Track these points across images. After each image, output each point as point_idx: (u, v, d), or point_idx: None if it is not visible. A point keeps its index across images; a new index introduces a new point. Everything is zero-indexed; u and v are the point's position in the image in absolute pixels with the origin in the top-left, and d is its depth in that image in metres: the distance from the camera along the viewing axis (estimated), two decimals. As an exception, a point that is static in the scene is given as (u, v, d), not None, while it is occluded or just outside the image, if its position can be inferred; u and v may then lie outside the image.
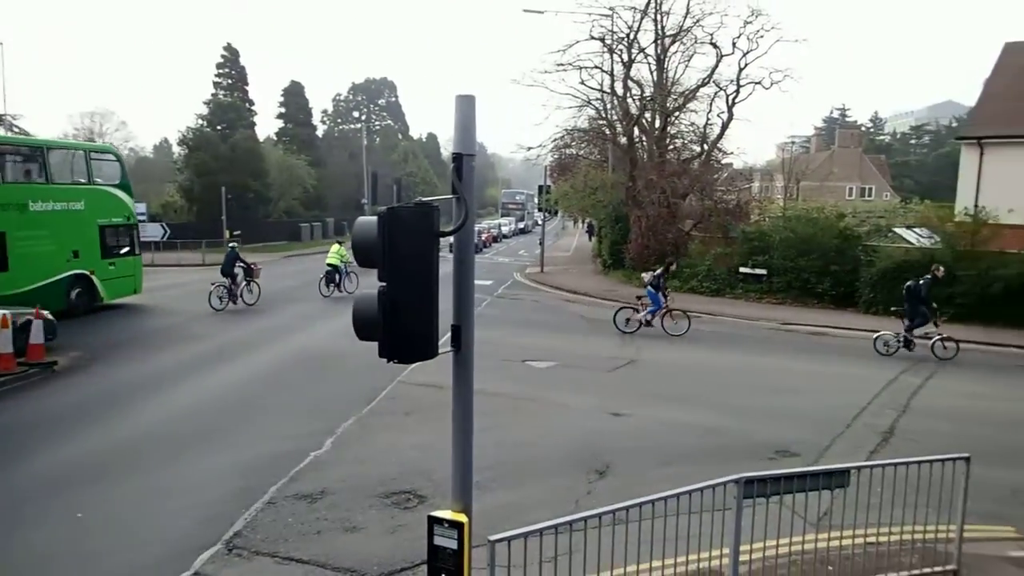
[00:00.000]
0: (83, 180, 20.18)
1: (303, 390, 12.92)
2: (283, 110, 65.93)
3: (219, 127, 53.95)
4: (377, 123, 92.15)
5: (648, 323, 18.78)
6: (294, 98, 65.60)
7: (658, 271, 19.51)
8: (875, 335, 17.40)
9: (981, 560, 6.86)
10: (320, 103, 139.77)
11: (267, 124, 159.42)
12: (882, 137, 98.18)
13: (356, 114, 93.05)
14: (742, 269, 26.05)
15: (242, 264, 21.90)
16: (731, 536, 5.65)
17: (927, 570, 6.47)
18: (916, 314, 16.88)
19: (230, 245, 22.45)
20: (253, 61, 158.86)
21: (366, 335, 3.79)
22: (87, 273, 20.05)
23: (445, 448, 4.38)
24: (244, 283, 22.16)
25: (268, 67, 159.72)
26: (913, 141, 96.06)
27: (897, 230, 29.87)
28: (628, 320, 18.88)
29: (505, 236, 67.08)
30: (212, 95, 57.04)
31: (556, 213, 59.10)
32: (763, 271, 25.49)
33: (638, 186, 30.65)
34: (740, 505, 5.59)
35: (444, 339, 3.91)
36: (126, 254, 21.63)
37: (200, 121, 54.63)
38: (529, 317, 21.80)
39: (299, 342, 17.04)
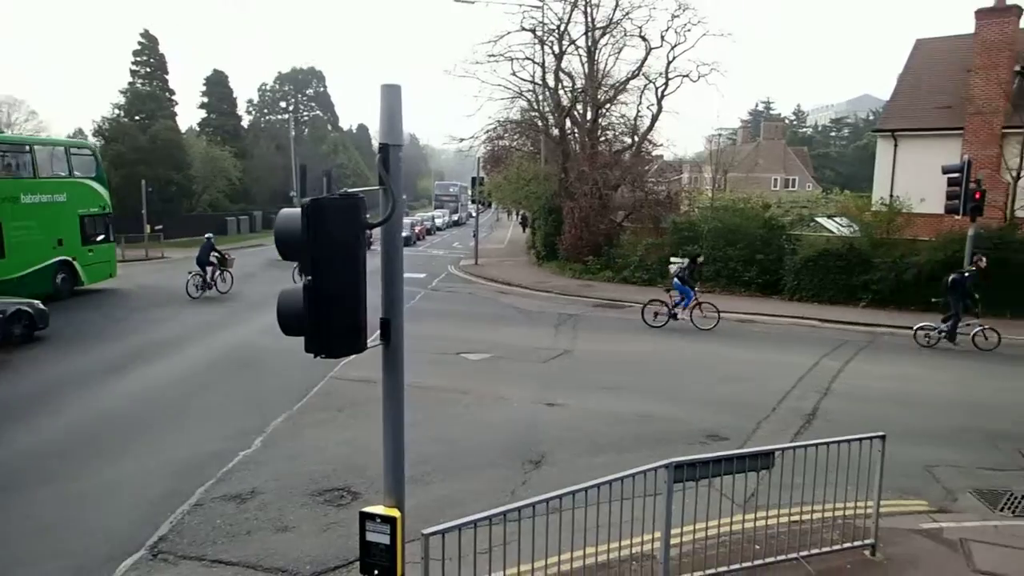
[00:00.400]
0: (64, 174, 22.42)
1: (233, 387, 12.59)
2: (206, 100, 63.76)
3: (137, 117, 51.83)
4: (305, 114, 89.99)
5: (675, 316, 18.76)
6: (217, 87, 63.51)
7: (685, 263, 19.59)
8: (915, 327, 17.36)
9: (896, 533, 7.21)
10: (245, 93, 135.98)
11: (189, 114, 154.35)
12: (804, 130, 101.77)
13: (283, 104, 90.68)
14: (672, 259, 26.59)
15: (216, 254, 23.27)
16: (662, 520, 5.78)
17: (847, 545, 6.76)
18: (959, 306, 16.67)
19: (206, 236, 23.68)
20: (173, 49, 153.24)
21: (292, 330, 3.72)
22: (70, 259, 22.28)
23: (379, 444, 4.34)
24: (218, 272, 23.46)
25: (189, 55, 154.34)
26: (833, 134, 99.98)
27: (819, 220, 31.06)
28: (656, 315, 18.85)
29: (439, 228, 66.67)
30: (129, 84, 54.74)
31: (490, 205, 59.07)
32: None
33: (571, 177, 30.94)
34: (670, 489, 5.72)
35: (376, 334, 3.86)
36: (102, 241, 23.85)
37: (117, 111, 52.40)
38: (464, 310, 21.75)
39: (230, 338, 16.58)
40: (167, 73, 56.35)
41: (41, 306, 16.44)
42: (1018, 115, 23.44)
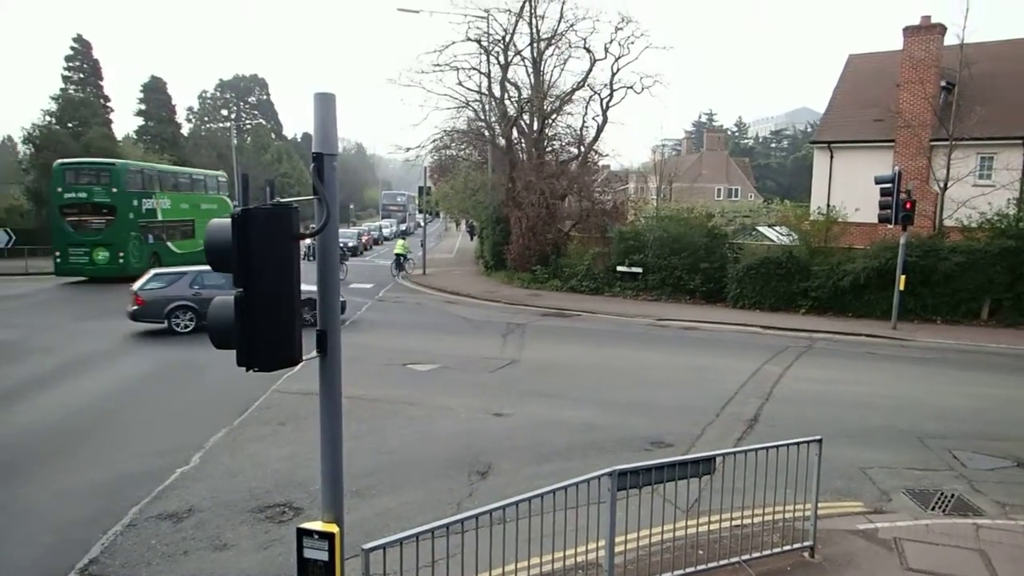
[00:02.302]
0: (214, 192, 28.81)
1: (170, 401, 12.23)
2: (143, 107, 62.17)
3: (70, 124, 50.12)
4: (248, 122, 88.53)
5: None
6: (155, 94, 61.99)
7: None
8: None
9: (834, 535, 7.39)
10: (185, 100, 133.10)
11: (126, 122, 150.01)
12: (746, 141, 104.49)
13: (225, 112, 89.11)
14: (619, 268, 26.93)
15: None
16: (607, 528, 5.80)
17: (787, 548, 6.90)
18: None
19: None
20: (108, 54, 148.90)
21: (223, 342, 3.62)
22: None
23: (316, 457, 4.25)
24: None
25: (126, 61, 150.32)
26: (773, 145, 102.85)
27: (760, 228, 31.88)
28: None
29: (386, 238, 66.25)
30: (61, 90, 52.96)
31: (438, 215, 58.92)
32: (639, 269, 26.46)
33: (517, 187, 31.05)
34: (614, 497, 5.75)
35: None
36: None
37: (48, 118, 50.58)
38: (411, 320, 21.62)
39: (168, 349, 16.11)
40: (101, 79, 54.78)
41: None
42: (944, 128, 24.47)
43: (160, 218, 31.28)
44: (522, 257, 30.10)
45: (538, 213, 29.67)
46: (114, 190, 28.77)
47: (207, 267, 23.99)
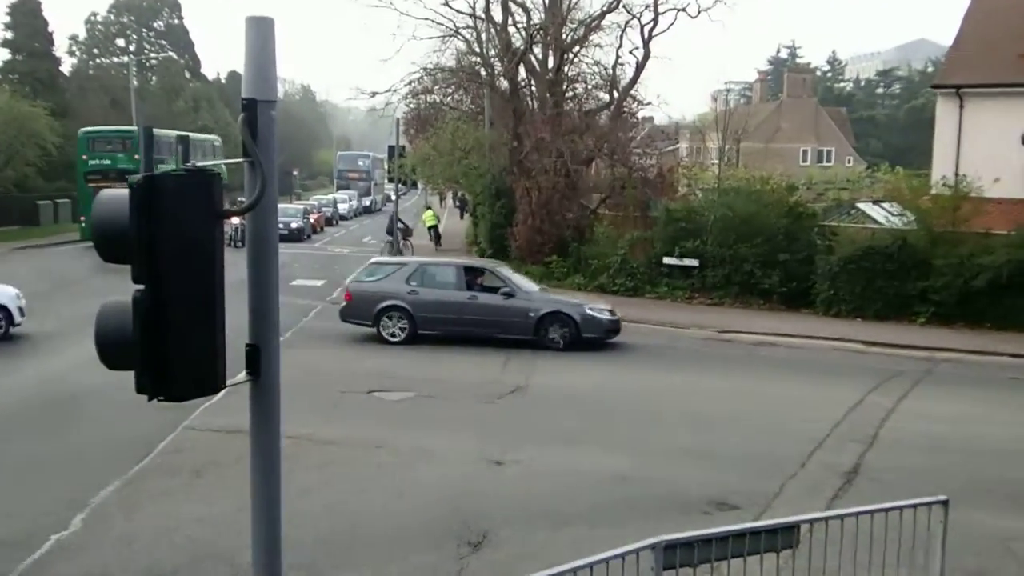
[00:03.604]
0: (211, 158, 30.89)
1: (45, 441, 12.25)
2: (9, 35, 62.28)
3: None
4: (154, 56, 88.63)
5: None
6: (26, 18, 62.04)
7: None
8: None
9: (964, 632, 7.35)
10: (67, 26, 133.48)
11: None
12: (842, 85, 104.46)
13: (121, 43, 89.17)
14: (666, 259, 26.89)
15: (402, 224, 28.21)
16: (648, 622, 5.78)
17: (899, 650, 6.86)
18: None
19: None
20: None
21: (117, 361, 3.61)
22: None
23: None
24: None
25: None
26: (880, 90, 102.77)
27: (862, 206, 31.82)
28: None
29: (344, 217, 66.26)
30: None
31: (415, 185, 58.88)
32: (694, 262, 26.42)
33: (526, 147, 31.10)
34: (659, 579, 5.72)
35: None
36: None
37: None
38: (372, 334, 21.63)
39: (39, 373, 16.14)
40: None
41: None
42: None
43: None
44: (531, 244, 30.10)
45: (554, 184, 29.67)
46: (136, 157, 34.17)
47: (434, 259, 25.74)
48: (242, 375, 3.95)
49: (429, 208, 45.73)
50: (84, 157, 40.34)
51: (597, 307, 20.13)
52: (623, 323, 20.22)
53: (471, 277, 20.13)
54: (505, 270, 21.12)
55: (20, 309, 19.06)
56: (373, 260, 21.81)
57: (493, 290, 19.70)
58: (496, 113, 35.70)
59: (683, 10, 31.33)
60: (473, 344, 19.68)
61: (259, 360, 3.90)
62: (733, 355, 19.19)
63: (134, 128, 41.22)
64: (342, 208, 67.27)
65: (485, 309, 19.48)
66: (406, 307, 19.48)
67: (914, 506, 6.73)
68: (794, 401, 15.23)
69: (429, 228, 41.58)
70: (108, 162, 39.49)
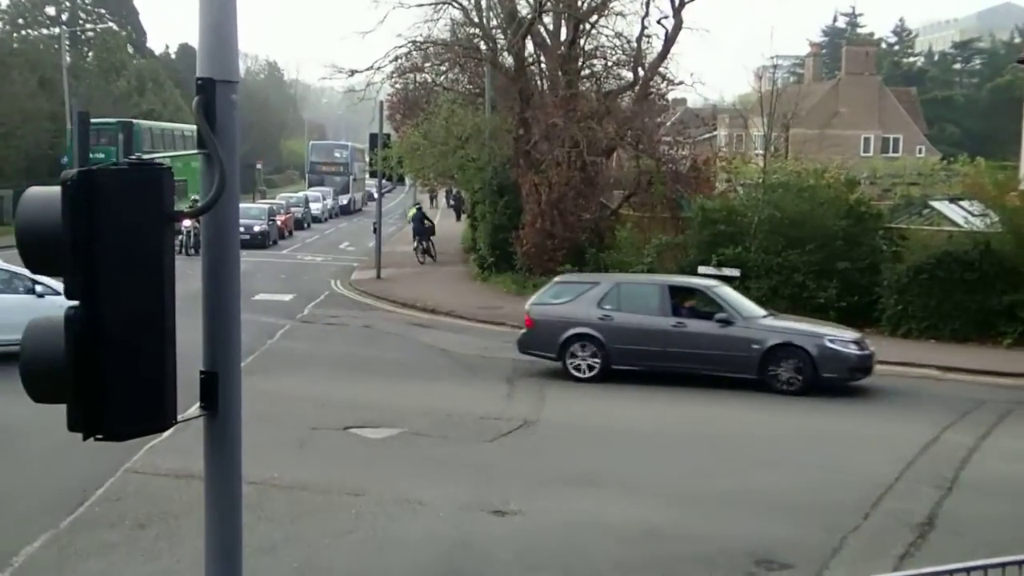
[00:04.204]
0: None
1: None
2: (-82, 2, 62.54)
3: None
4: (90, 27, 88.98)
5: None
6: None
7: None
8: None
9: None
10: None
11: None
12: (911, 60, 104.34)
13: (51, 11, 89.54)
14: (702, 269, 26.82)
15: (429, 222, 29.10)
16: None
17: None
18: None
19: (416, 206, 28.48)
20: None
21: (45, 392, 3.60)
22: None
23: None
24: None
25: None
26: (958, 66, 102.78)
27: (935, 204, 31.73)
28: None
29: (317, 218, 66.38)
30: None
31: (402, 180, 58.88)
32: (735, 271, 26.33)
33: (534, 135, 31.12)
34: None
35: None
36: None
37: None
38: (357, 353, 21.71)
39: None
40: None
41: None
42: None
43: None
44: (541, 251, 30.14)
45: (567, 178, 29.70)
46: (135, 154, 37.86)
47: (633, 276, 24.69)
48: (195, 408, 3.95)
49: (417, 205, 46.13)
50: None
51: (840, 337, 18.79)
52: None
53: (679, 299, 19.33)
54: (724, 290, 20.04)
55: None
56: (558, 278, 21.32)
57: (706, 316, 18.84)
58: (499, 95, 35.74)
59: (721, -29, 31.40)
60: (471, 372, 19.68)
61: (216, 390, 3.89)
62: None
63: (131, 120, 42.73)
64: (315, 208, 67.43)
65: (695, 340, 18.61)
66: (598, 336, 18.92)
67: (1002, 565, 6.70)
68: (855, 438, 15.16)
69: (414, 223, 42.41)
70: (102, 155, 39.77)
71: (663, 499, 12.12)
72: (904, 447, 14.47)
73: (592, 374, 18.83)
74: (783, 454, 14.28)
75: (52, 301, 19.72)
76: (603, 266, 28.80)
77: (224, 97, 3.73)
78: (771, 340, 18.22)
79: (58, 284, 18.86)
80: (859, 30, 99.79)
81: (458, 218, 60.49)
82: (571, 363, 18.95)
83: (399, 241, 47.28)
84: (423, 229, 41.46)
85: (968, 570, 6.64)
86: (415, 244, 41.39)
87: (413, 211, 43.85)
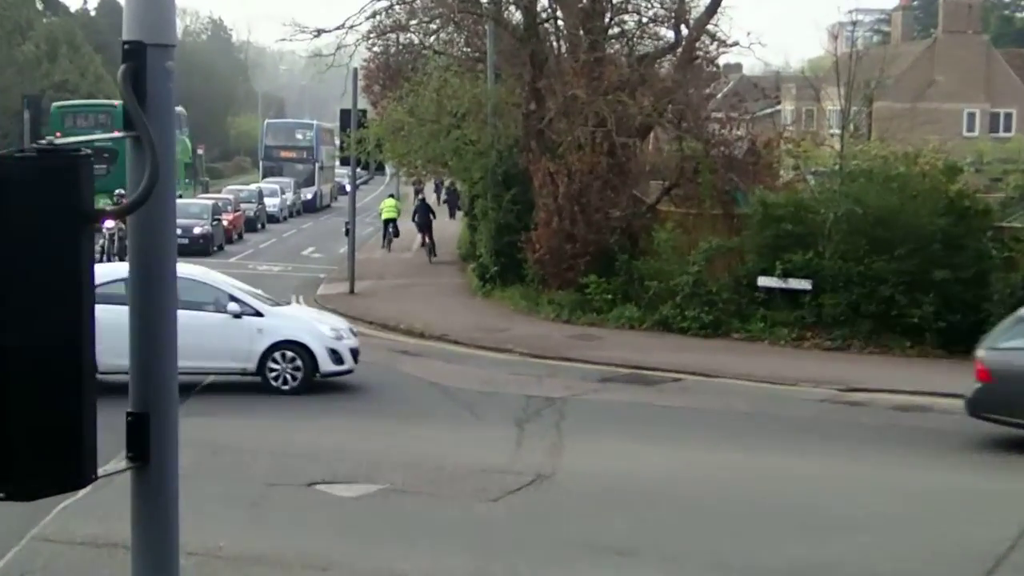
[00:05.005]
0: None
1: None
2: None
3: None
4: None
5: None
6: None
7: None
8: None
9: None
10: None
11: None
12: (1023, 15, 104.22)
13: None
14: (762, 280, 26.87)
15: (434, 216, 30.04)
16: None
17: None
18: None
19: (420, 198, 30.78)
20: None
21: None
22: None
23: None
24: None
25: None
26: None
27: (1057, 198, 31.80)
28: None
29: (273, 218, 66.37)
30: None
31: (381, 168, 58.87)
32: (805, 284, 26.38)
33: (549, 110, 31.21)
34: None
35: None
36: None
37: None
38: (324, 388, 21.69)
39: None
40: None
41: None
42: None
43: None
44: (558, 257, 30.18)
45: (592, 165, 29.73)
46: (118, 133, 39.41)
47: None
48: (121, 459, 3.95)
49: (392, 196, 48.11)
50: (58, 135, 44.88)
51: None
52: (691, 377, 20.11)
53: None
54: None
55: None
56: (1021, 312, 18.19)
57: None
58: (503, 60, 35.86)
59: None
60: (470, 411, 19.71)
61: (147, 436, 3.89)
62: (865, 425, 19.14)
63: (114, 102, 44.73)
64: (271, 204, 67.21)
65: None
66: None
67: None
68: (959, 494, 15.16)
69: (385, 222, 44.69)
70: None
71: (710, 570, 12.13)
72: (1016, 508, 14.46)
73: None
74: (867, 514, 14.21)
75: (248, 324, 20.78)
76: (637, 277, 28.76)
77: (157, 65, 3.73)
78: None
79: (260, 303, 19.46)
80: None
81: (452, 215, 60.42)
82: None
83: (378, 246, 47.38)
84: (428, 223, 43.10)
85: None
86: (421, 240, 43.22)
87: (391, 203, 45.58)
